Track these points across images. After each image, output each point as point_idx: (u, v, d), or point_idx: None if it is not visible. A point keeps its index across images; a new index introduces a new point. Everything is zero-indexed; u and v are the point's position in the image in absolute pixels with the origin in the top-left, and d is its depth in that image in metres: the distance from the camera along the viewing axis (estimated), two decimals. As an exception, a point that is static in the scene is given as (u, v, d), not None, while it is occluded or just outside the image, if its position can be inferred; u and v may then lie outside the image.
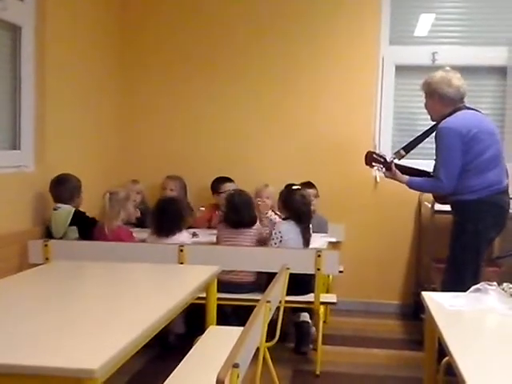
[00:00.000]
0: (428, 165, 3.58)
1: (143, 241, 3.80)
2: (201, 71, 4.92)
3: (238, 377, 1.51)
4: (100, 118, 4.64)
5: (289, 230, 3.71)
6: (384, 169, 3.66)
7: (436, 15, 4.75)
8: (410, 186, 3.60)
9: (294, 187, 3.88)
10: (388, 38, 4.78)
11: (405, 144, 3.84)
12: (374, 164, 3.69)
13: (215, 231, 3.96)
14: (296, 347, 3.79)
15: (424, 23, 4.77)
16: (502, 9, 4.65)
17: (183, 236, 3.75)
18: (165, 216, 3.74)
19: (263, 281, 3.66)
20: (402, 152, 3.78)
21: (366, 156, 3.73)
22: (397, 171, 3.61)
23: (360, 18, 4.73)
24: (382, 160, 3.67)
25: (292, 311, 3.75)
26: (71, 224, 3.67)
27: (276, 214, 4.20)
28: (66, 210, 3.70)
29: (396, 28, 4.78)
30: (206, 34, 4.90)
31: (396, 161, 3.68)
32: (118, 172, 4.80)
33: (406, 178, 3.60)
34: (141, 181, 4.65)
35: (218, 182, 4.63)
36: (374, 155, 3.70)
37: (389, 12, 4.75)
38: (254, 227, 3.82)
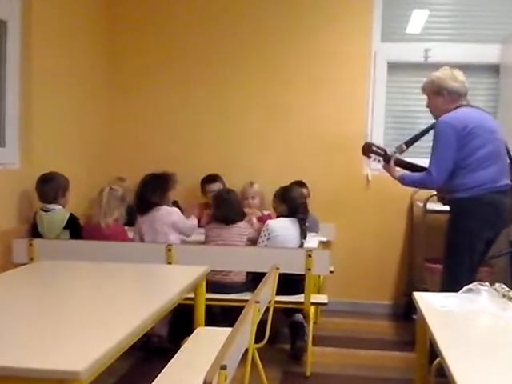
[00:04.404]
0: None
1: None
2: (190, 70, 4.87)
3: (225, 379, 1.47)
4: (86, 115, 4.57)
5: (277, 228, 3.69)
6: (383, 161, 3.64)
7: (429, 12, 4.72)
8: (402, 181, 3.56)
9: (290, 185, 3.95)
10: (380, 34, 4.74)
11: (407, 138, 3.81)
12: (371, 155, 3.68)
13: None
14: (292, 344, 3.70)
15: (416, 20, 4.74)
16: (495, 6, 4.64)
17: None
18: None
19: (254, 281, 3.61)
20: (404, 146, 3.76)
21: (364, 147, 3.71)
22: (392, 166, 3.59)
23: (352, 14, 4.70)
24: (382, 153, 3.66)
25: (285, 314, 3.70)
26: (65, 227, 3.63)
27: (263, 213, 4.23)
28: (61, 213, 3.65)
29: (388, 25, 4.75)
30: (200, 33, 4.84)
31: (397, 155, 3.66)
32: (104, 170, 4.74)
33: (399, 173, 3.57)
34: (127, 179, 4.57)
35: (205, 182, 4.59)
36: (373, 147, 3.68)
37: (381, 8, 4.73)
38: (243, 225, 3.78)
